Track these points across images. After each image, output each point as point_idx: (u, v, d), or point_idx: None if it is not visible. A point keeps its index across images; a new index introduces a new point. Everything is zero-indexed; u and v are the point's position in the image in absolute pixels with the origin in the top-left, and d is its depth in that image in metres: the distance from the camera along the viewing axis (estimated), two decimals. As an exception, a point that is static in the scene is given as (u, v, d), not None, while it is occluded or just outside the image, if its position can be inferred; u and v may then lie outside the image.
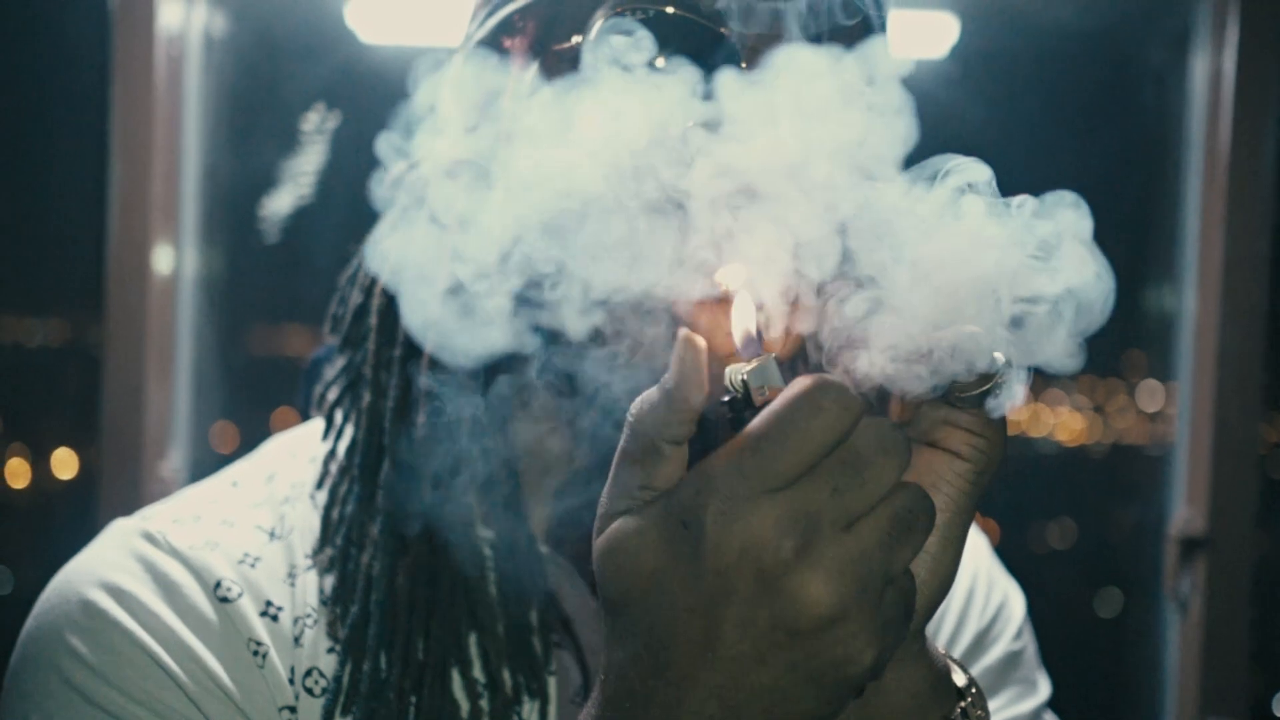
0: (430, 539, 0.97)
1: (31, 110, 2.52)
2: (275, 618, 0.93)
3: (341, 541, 0.98)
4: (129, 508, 2.04)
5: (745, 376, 0.71)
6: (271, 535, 0.99)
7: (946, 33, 2.60)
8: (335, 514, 1.00)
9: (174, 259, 2.41)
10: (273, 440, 1.12)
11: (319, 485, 1.03)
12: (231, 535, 0.97)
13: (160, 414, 2.36)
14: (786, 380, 0.70)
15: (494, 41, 0.98)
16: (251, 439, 1.08)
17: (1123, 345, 2.93)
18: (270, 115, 2.49)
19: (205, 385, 2.52)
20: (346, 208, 2.32)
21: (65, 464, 2.59)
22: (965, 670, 0.80)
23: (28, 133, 2.52)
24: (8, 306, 2.67)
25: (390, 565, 0.96)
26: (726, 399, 0.72)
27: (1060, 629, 1.17)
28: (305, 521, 1.01)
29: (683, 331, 0.70)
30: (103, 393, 2.30)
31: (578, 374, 0.90)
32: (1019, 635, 1.18)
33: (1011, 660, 1.17)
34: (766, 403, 0.69)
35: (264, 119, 2.50)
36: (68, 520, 2.46)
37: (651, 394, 0.70)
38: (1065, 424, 3.09)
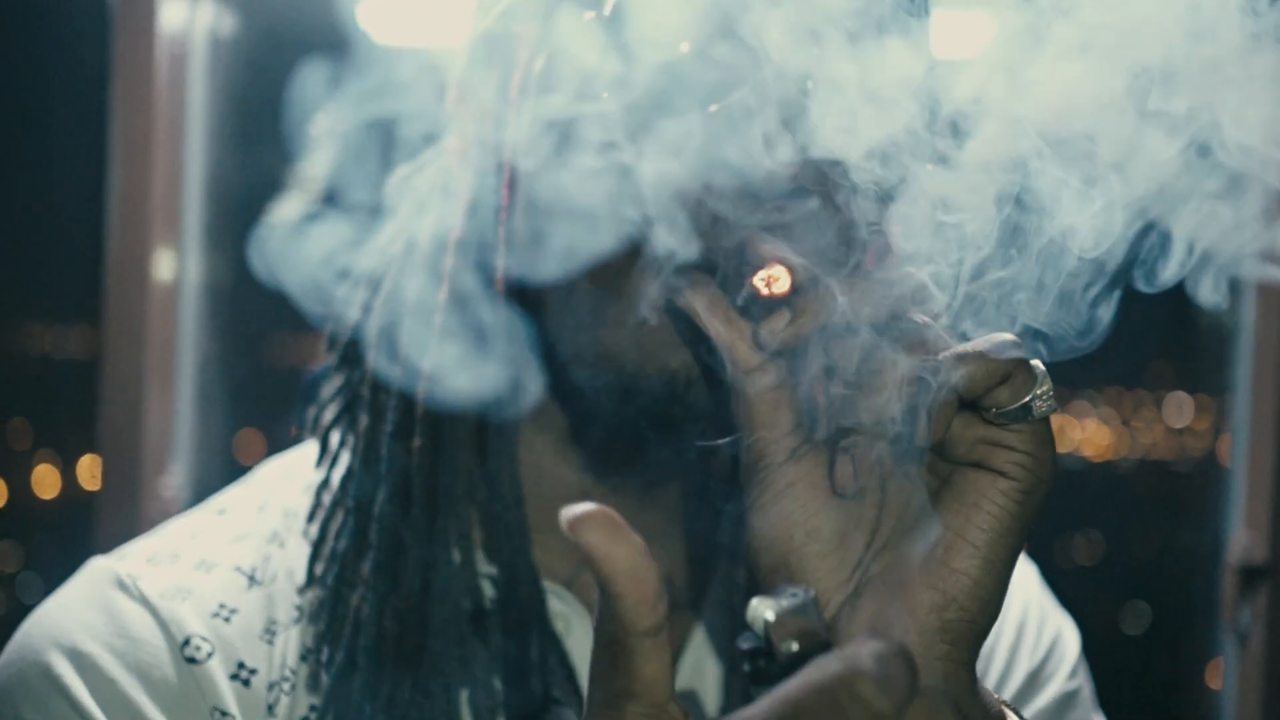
0: (425, 577, 0.89)
1: (29, 110, 2.48)
2: (247, 683, 0.86)
3: (333, 581, 0.90)
4: (127, 527, 2.00)
5: (769, 619, 0.60)
6: (251, 580, 0.91)
7: (982, 31, 2.50)
8: (326, 550, 0.92)
9: (176, 265, 2.35)
10: (268, 463, 1.05)
11: (310, 518, 0.95)
12: (207, 582, 0.90)
13: (161, 428, 2.30)
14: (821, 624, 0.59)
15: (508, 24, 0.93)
16: (278, 449, 1.06)
17: (1151, 356, 2.92)
18: (279, 117, 2.41)
19: (210, 398, 2.46)
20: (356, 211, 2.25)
21: (93, 472, 2.56)
22: (1021, 716, 0.75)
23: (25, 133, 2.49)
24: (37, 314, 2.66)
25: (380, 607, 0.88)
26: (746, 646, 0.60)
27: (1089, 646, 1.14)
28: (294, 560, 0.93)
29: (576, 513, 0.59)
30: (100, 405, 2.24)
31: (595, 396, 0.84)
32: (1074, 674, 1.11)
33: (1067, 701, 1.09)
34: (792, 659, 0.57)
35: (272, 121, 2.42)
36: (94, 529, 2.41)
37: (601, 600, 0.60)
38: (1092, 439, 3.06)
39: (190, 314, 2.40)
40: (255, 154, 2.43)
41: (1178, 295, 0.72)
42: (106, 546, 0.95)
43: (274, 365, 2.61)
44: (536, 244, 0.83)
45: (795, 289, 0.72)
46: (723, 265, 0.76)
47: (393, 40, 2.64)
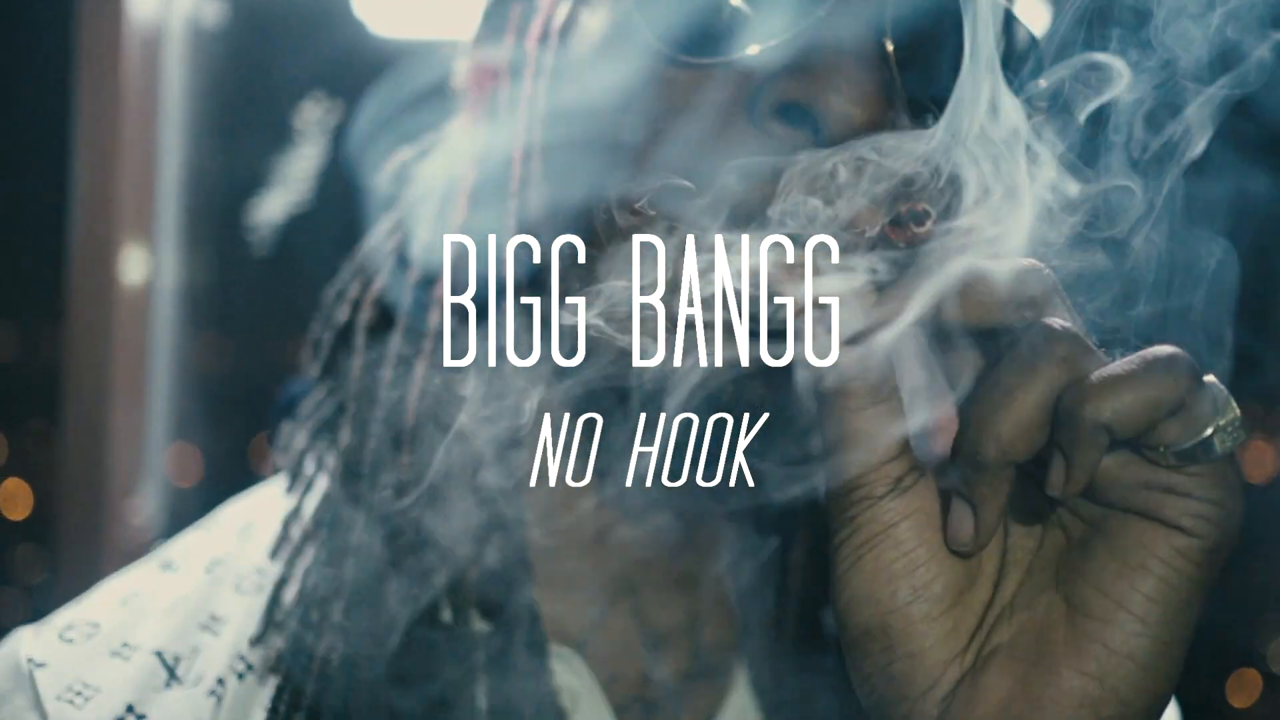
0: (407, 629, 0.78)
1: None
2: None
3: (296, 626, 0.78)
4: (90, 556, 1.90)
5: None
6: (171, 675, 0.79)
7: (1037, 18, 2.44)
8: (289, 593, 0.81)
9: (148, 266, 2.26)
10: (234, 501, 0.94)
11: (273, 554, 0.84)
12: (119, 674, 0.78)
13: (130, 446, 2.20)
14: None
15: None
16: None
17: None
18: (263, 108, 2.35)
19: (184, 410, 2.37)
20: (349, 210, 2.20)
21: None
22: None
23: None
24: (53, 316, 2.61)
25: (353, 658, 0.76)
26: None
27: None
28: (227, 650, 0.81)
29: None
30: (62, 420, 2.14)
31: (621, 403, 0.72)
32: None
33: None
34: None
35: (256, 112, 2.37)
36: (57, 555, 2.33)
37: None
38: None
39: (164, 319, 2.31)
40: (237, 146, 2.35)
41: (1204, 304, 0.65)
42: (70, 574, 0.86)
43: (289, 370, 2.54)
44: (556, 225, 0.72)
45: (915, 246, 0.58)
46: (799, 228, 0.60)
47: (393, 33, 2.54)
